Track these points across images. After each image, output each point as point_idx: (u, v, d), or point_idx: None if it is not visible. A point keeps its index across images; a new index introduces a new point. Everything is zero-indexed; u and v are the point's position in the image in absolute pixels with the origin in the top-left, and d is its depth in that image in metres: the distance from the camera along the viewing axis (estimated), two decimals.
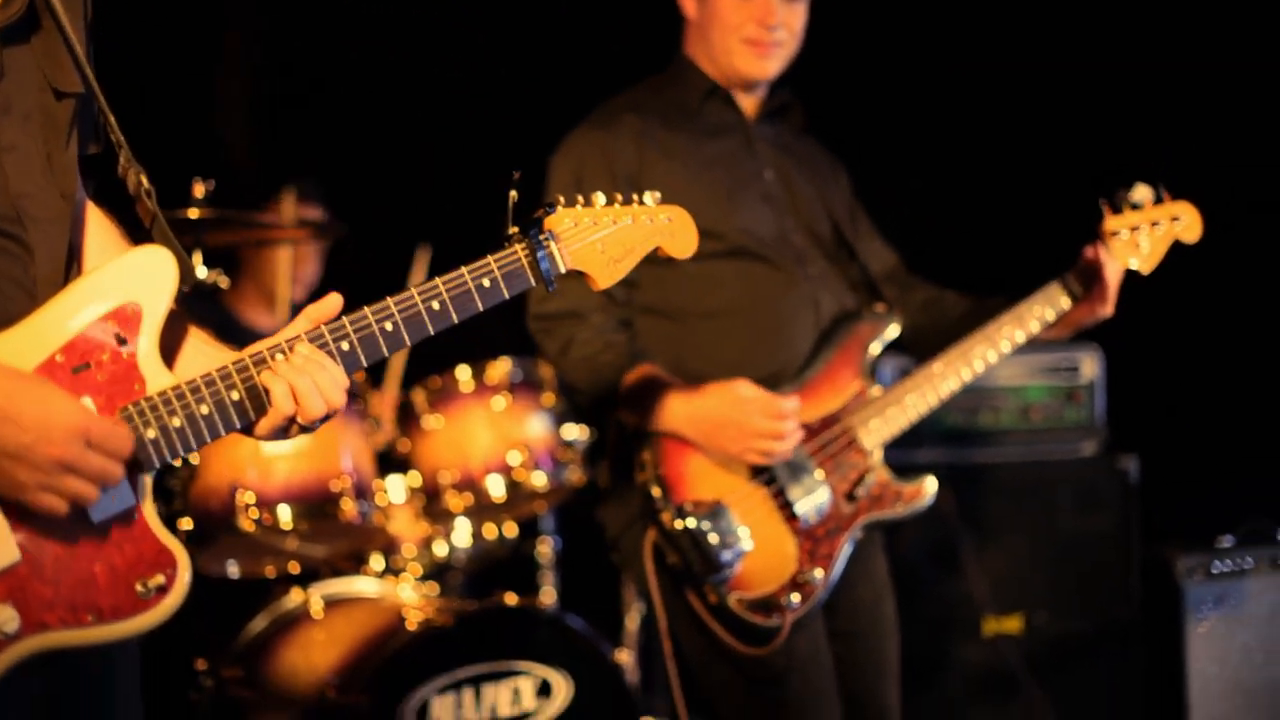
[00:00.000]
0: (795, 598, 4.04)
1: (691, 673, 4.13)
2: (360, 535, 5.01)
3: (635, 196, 3.13)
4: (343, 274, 2.77)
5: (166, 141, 3.22)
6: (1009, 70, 6.86)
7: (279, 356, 2.67)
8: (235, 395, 2.64)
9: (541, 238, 2.91)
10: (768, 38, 4.37)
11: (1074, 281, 4.33)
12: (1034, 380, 5.79)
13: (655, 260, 4.04)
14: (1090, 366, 5.84)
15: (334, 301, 2.73)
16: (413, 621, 4.61)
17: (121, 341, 2.60)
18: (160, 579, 2.56)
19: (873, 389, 4.29)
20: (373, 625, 4.75)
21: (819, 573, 4.09)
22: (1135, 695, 5.79)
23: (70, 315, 2.58)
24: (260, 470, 4.67)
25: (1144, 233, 4.36)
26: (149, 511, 2.59)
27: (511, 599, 4.83)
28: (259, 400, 2.66)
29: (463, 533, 5.53)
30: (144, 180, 2.75)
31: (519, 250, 2.88)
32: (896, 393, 4.27)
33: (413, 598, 4.94)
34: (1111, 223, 4.34)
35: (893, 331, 4.36)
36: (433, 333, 2.79)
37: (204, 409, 2.62)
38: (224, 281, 4.42)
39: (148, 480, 2.59)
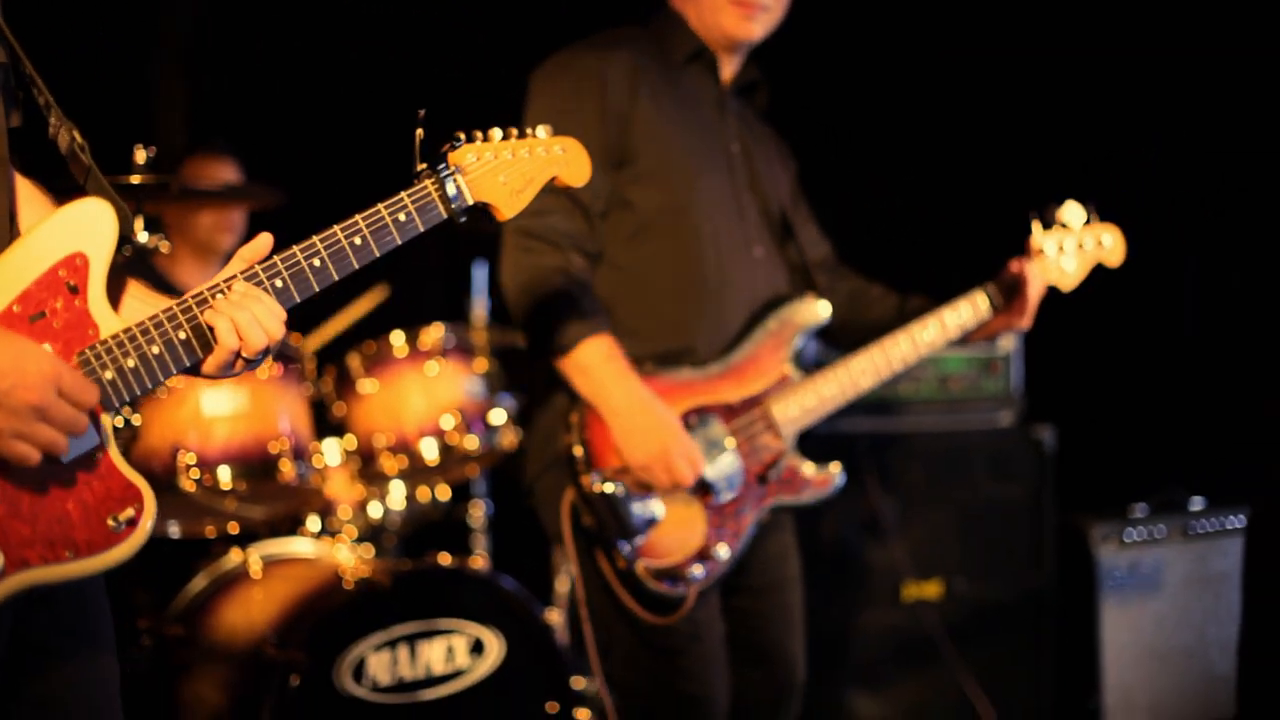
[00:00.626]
0: (698, 570, 4.14)
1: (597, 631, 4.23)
2: (298, 497, 5.06)
3: (529, 130, 3.22)
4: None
5: (97, 107, 3.29)
6: (949, 67, 6.97)
7: (219, 296, 2.77)
8: (182, 335, 2.75)
9: (448, 173, 3.02)
10: (756, 0, 4.40)
11: (996, 291, 4.43)
12: (952, 351, 5.89)
13: (617, 206, 4.14)
14: (1007, 338, 5.96)
15: (264, 241, 2.85)
16: (350, 580, 4.69)
17: (73, 290, 2.69)
18: (130, 512, 2.66)
19: (794, 375, 4.38)
20: (311, 584, 4.82)
21: (724, 549, 4.20)
22: (1051, 660, 5.93)
23: (21, 268, 2.67)
24: (201, 432, 4.72)
25: (1070, 252, 4.46)
26: (113, 451, 2.69)
27: (446, 559, 4.92)
28: (204, 338, 2.77)
29: (397, 495, 5.60)
30: (77, 136, 2.84)
31: (429, 185, 3.00)
32: (816, 383, 4.35)
33: (349, 558, 5.02)
34: (1039, 239, 4.44)
35: (822, 321, 4.45)
36: (357, 266, 2.91)
37: (155, 349, 2.73)
38: (165, 246, 4.48)
39: (109, 421, 2.69)
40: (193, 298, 2.78)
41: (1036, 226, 4.45)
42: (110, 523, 2.65)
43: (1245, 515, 5.89)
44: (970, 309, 4.42)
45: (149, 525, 2.67)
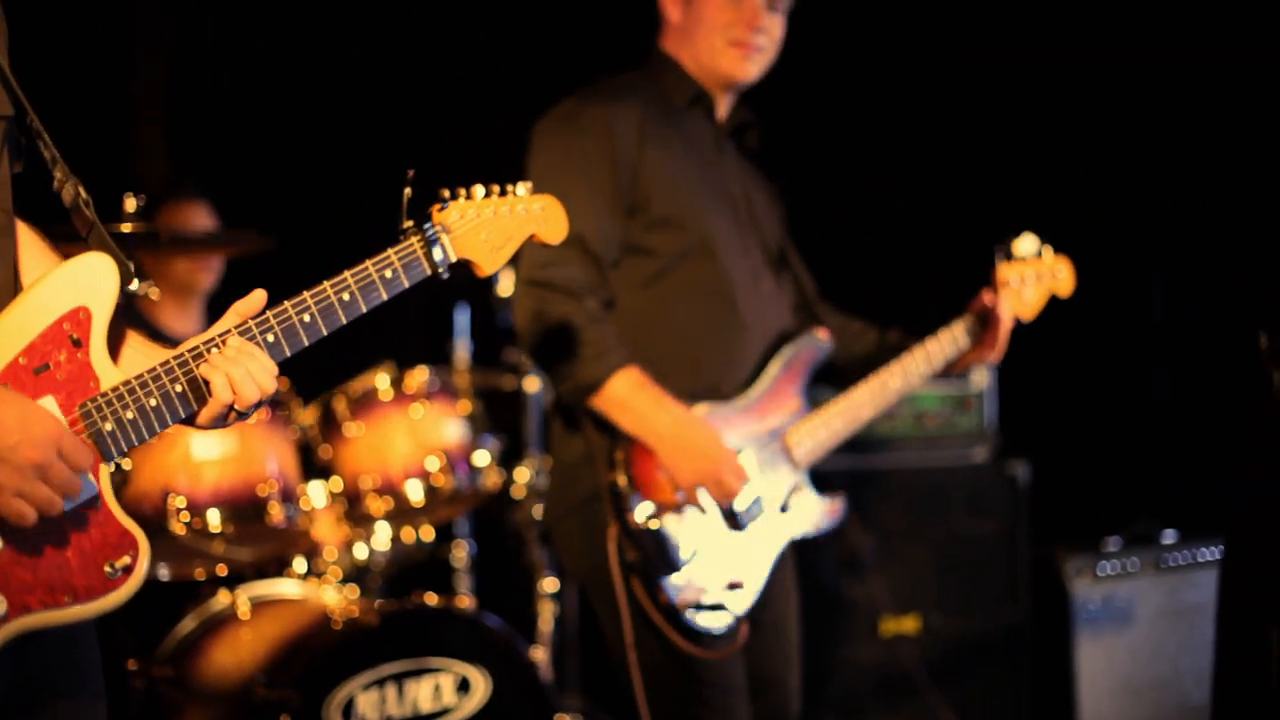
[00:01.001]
0: (733, 602, 4.22)
1: (630, 666, 4.24)
2: (285, 539, 5.11)
3: (510, 187, 3.29)
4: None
5: (83, 155, 3.34)
6: (903, 100, 7.06)
7: (214, 350, 2.85)
8: (178, 388, 2.83)
9: (434, 232, 3.10)
10: (753, 40, 4.45)
11: (972, 323, 4.54)
12: (928, 389, 5.97)
13: (630, 253, 4.18)
14: (981, 375, 6.05)
15: (258, 297, 2.93)
16: (338, 621, 4.74)
17: (76, 343, 2.77)
18: (126, 559, 2.74)
19: (806, 408, 4.48)
20: (299, 625, 4.87)
21: (753, 580, 4.29)
22: (1027, 692, 6.00)
23: (27, 320, 2.75)
24: (190, 475, 4.78)
25: (1029, 283, 4.58)
26: (110, 499, 2.76)
27: (432, 599, 4.97)
28: (200, 392, 2.85)
29: (382, 536, 5.65)
30: (81, 191, 2.90)
31: (414, 243, 3.07)
32: (825, 415, 4.46)
33: (335, 599, 5.08)
34: (1005, 271, 4.55)
35: (829, 353, 4.54)
36: (345, 321, 2.99)
37: (152, 401, 2.81)
38: (155, 293, 4.50)
39: (106, 471, 2.76)
40: (189, 351, 2.85)
41: (1000, 258, 4.56)
42: (107, 569, 2.72)
43: (1218, 547, 5.95)
44: (951, 341, 4.53)
45: (144, 572, 2.75)
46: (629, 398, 4.19)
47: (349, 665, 4.61)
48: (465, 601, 5.74)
